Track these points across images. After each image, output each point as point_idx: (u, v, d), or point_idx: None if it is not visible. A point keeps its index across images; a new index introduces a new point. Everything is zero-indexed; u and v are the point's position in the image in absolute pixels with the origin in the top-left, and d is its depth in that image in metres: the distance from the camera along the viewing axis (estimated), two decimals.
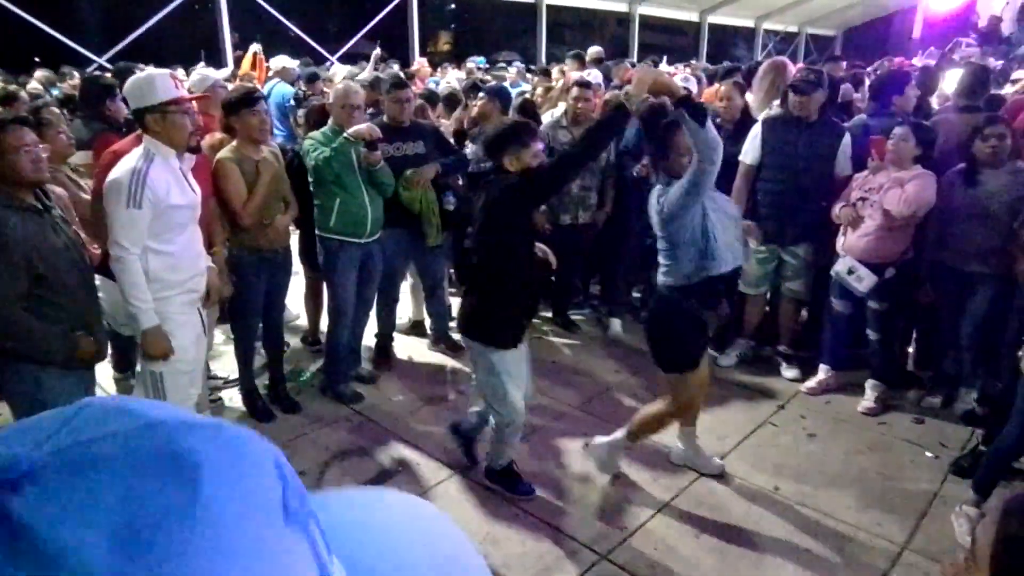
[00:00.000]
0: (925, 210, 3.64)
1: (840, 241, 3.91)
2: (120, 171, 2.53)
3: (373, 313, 4.35)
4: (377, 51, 8.38)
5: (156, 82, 2.61)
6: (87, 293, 2.50)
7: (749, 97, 4.39)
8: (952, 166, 3.73)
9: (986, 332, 3.67)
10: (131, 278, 2.55)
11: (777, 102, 4.13)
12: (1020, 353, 2.73)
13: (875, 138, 3.80)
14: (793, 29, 17.82)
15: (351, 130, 3.62)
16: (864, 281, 3.78)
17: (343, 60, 10.40)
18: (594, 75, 5.33)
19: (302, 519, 0.36)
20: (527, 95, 5.90)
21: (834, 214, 3.88)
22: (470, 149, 4.51)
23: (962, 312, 3.72)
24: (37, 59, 11.08)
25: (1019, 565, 0.87)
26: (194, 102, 2.97)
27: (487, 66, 9.32)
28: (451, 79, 6.64)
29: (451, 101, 5.28)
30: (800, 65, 5.07)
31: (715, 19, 15.77)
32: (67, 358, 2.45)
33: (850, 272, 3.81)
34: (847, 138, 3.96)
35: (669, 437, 3.72)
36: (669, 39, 18.26)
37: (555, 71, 7.19)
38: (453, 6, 20.37)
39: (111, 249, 2.54)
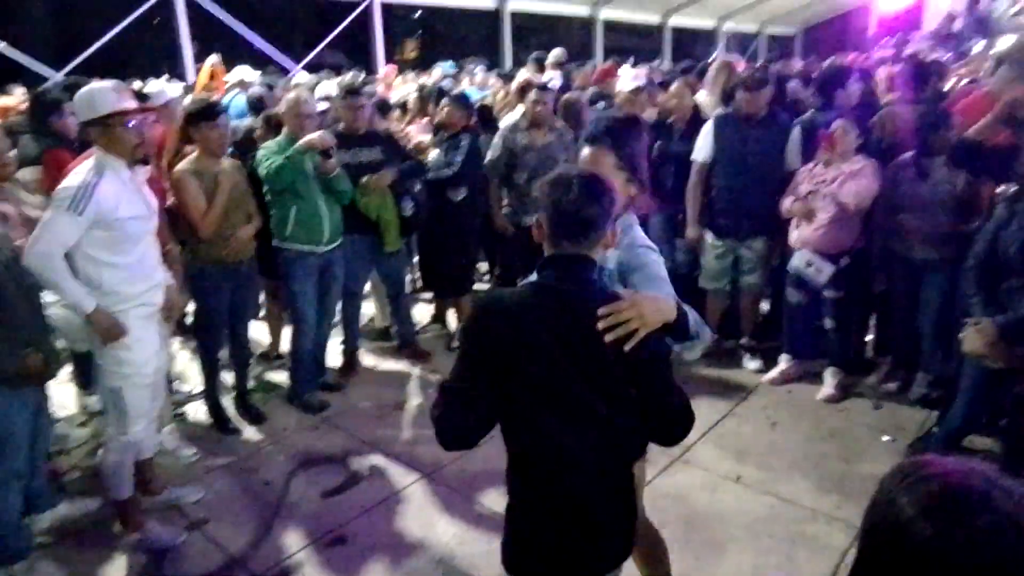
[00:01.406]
0: (871, 199, 3.75)
1: (793, 235, 3.99)
2: (71, 180, 2.53)
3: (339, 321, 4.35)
4: (351, 73, 8.42)
5: (96, 95, 2.59)
6: (31, 310, 2.47)
7: (701, 96, 4.48)
8: (898, 156, 3.84)
9: (940, 317, 3.77)
10: (55, 272, 2.47)
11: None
12: (960, 335, 2.82)
13: (825, 132, 3.89)
14: (753, 29, 18.11)
15: (303, 140, 3.62)
16: (823, 272, 3.87)
17: (307, 70, 10.35)
18: (552, 77, 5.38)
19: None
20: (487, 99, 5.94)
21: (784, 208, 3.96)
22: (432, 155, 4.53)
23: (916, 299, 3.82)
24: None
25: (883, 520, 0.91)
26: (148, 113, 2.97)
27: (457, 71, 9.35)
28: (411, 88, 6.63)
29: (405, 108, 5.29)
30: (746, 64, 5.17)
31: (677, 21, 15.98)
32: (13, 376, 2.42)
33: (808, 265, 3.90)
34: (796, 132, 4.05)
35: None
36: (633, 41, 18.45)
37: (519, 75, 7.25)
38: (418, 14, 20.37)
39: (34, 245, 2.45)
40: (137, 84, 6.45)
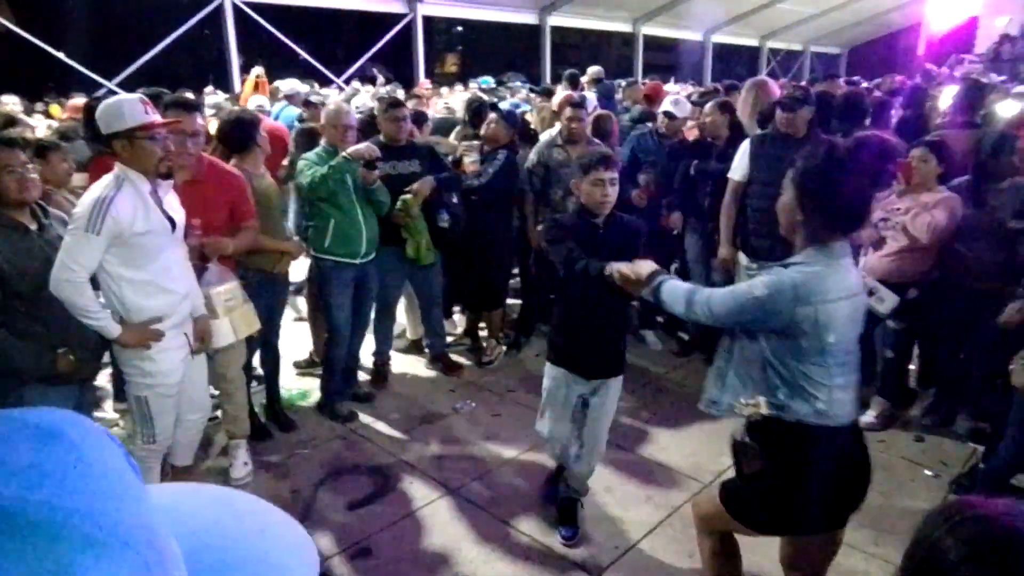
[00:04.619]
0: (947, 233, 3.57)
1: (861, 262, 3.87)
2: (88, 198, 2.50)
3: (371, 332, 4.37)
4: (380, 78, 8.53)
5: (124, 108, 2.54)
6: (67, 311, 2.51)
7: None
8: (949, 182, 3.71)
9: (993, 349, 3.61)
10: (82, 299, 2.47)
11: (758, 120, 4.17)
12: (1012, 367, 2.71)
13: (901, 161, 3.74)
14: (798, 47, 17.92)
15: (351, 149, 3.66)
16: (886, 302, 3.72)
17: (349, 82, 10.54)
18: (586, 96, 5.38)
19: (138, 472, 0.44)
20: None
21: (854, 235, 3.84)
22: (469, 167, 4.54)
23: (968, 330, 3.66)
24: (51, 84, 11.34)
25: (927, 560, 0.88)
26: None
27: (493, 87, 9.43)
28: (452, 101, 6.71)
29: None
30: (782, 82, 5.09)
31: (719, 38, 15.89)
32: (46, 375, 2.46)
33: (871, 293, 3.76)
34: None
35: (664, 452, 3.70)
36: (674, 58, 18.39)
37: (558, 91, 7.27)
38: (460, 28, 20.65)
39: (60, 272, 2.44)
40: (189, 94, 6.64)
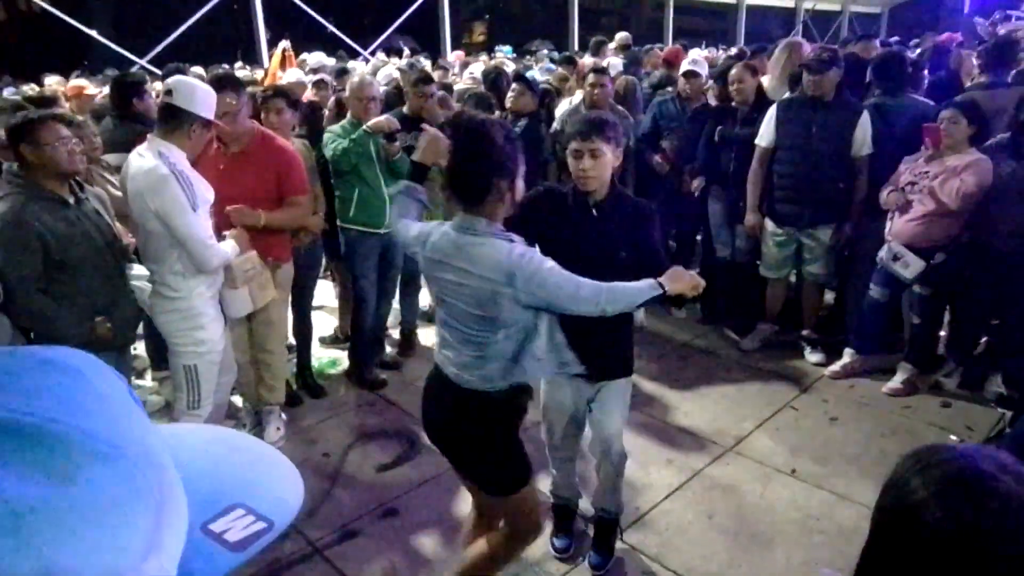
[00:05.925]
0: (977, 198, 3.49)
1: (887, 226, 3.82)
2: (165, 183, 2.58)
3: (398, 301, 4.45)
4: (406, 50, 8.51)
5: (215, 101, 2.79)
6: (108, 281, 2.63)
7: (766, 79, 4.33)
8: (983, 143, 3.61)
9: None
10: (224, 254, 2.79)
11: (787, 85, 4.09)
12: None
13: (929, 125, 3.63)
14: (836, 7, 17.32)
15: (370, 123, 3.71)
16: (911, 267, 3.67)
17: (375, 54, 10.55)
18: (611, 63, 5.32)
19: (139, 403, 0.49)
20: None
21: (882, 199, 3.78)
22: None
23: (1001, 295, 3.60)
24: (86, 62, 11.57)
25: (895, 502, 0.93)
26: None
27: (514, 56, 9.38)
28: (476, 71, 6.68)
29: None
30: (815, 44, 4.95)
31: (753, 0, 15.44)
32: (86, 341, 2.60)
33: (896, 258, 3.70)
34: (865, 117, 3.86)
35: (687, 418, 3.74)
36: (706, 22, 17.95)
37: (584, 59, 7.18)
38: None
39: (201, 255, 2.69)
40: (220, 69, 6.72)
